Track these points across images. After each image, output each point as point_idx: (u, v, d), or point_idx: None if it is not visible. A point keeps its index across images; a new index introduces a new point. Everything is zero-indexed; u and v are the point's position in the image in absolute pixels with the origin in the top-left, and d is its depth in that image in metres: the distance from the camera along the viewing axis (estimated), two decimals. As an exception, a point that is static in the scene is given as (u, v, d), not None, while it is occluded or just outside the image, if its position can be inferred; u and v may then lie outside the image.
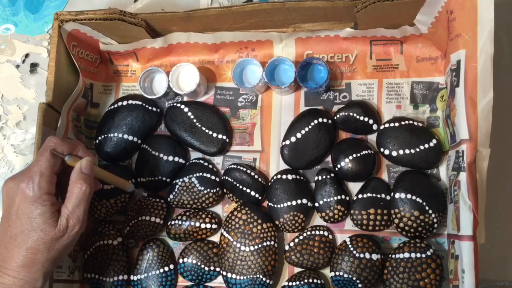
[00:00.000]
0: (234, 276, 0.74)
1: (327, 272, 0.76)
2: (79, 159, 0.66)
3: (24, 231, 0.61)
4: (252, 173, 0.78)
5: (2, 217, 0.64)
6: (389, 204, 0.75)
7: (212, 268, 0.78)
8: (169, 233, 0.79)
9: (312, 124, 0.77)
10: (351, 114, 0.77)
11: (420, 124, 0.75)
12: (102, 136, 0.82)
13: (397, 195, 0.73)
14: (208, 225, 0.78)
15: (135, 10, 0.91)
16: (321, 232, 0.76)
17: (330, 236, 0.76)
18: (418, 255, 0.70)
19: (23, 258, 0.61)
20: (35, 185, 0.61)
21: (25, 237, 0.61)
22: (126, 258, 0.79)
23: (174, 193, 0.79)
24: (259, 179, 0.78)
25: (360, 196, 0.76)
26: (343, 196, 0.75)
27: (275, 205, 0.77)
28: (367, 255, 0.72)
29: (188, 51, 0.84)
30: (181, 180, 0.79)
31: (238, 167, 0.78)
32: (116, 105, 0.83)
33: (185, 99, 0.85)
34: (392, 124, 0.76)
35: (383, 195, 0.75)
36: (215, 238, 0.80)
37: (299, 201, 0.76)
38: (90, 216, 0.82)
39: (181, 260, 0.78)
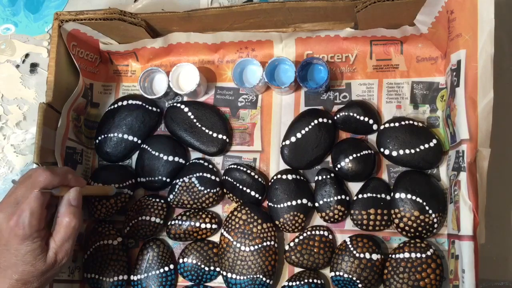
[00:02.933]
0: (234, 276, 0.74)
1: (327, 272, 0.76)
2: (67, 189, 0.65)
3: (15, 265, 0.61)
4: (252, 173, 0.78)
5: None
6: (389, 204, 0.75)
7: (212, 268, 0.78)
8: (169, 233, 0.79)
9: (312, 124, 0.77)
10: (351, 114, 0.77)
11: (420, 124, 0.75)
12: (102, 136, 0.82)
13: (397, 195, 0.73)
14: (208, 225, 0.78)
15: (135, 10, 0.91)
16: (321, 232, 0.76)
17: (330, 236, 0.76)
18: (418, 255, 0.70)
19: (12, 287, 0.62)
20: (26, 225, 0.61)
21: (15, 270, 0.61)
22: (126, 258, 0.79)
23: (174, 193, 0.79)
24: (259, 179, 0.78)
25: (360, 196, 0.76)
26: (343, 196, 0.75)
27: (275, 205, 0.77)
28: (367, 255, 0.72)
29: (188, 51, 0.84)
30: (181, 180, 0.79)
31: (238, 167, 0.78)
32: (116, 105, 0.83)
33: (185, 99, 0.85)
34: (392, 124, 0.76)
35: (383, 195, 0.75)
36: (215, 238, 0.80)
37: (299, 201, 0.76)
38: (90, 216, 0.82)
39: (181, 260, 0.78)
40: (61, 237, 0.64)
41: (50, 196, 0.64)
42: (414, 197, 0.72)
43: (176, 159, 0.81)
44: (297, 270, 0.77)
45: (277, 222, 0.77)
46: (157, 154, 0.81)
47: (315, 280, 0.74)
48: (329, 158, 0.80)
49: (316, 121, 0.77)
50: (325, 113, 0.79)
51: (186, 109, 0.82)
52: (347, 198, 0.76)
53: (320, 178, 0.77)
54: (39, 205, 0.62)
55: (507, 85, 0.77)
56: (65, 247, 0.64)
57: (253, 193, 0.77)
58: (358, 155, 0.75)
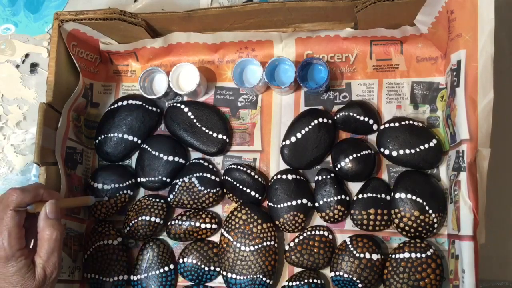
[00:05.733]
0: (234, 276, 0.74)
1: (327, 272, 0.76)
2: (42, 204, 0.64)
3: None
4: (252, 173, 0.78)
5: None
6: (389, 204, 0.75)
7: (212, 268, 0.78)
8: (169, 233, 0.79)
9: (312, 124, 0.77)
10: (351, 114, 0.77)
11: (420, 124, 0.75)
12: (102, 136, 0.82)
13: (397, 195, 0.73)
14: (208, 225, 0.78)
15: (135, 10, 0.91)
16: (321, 232, 0.76)
17: (330, 236, 0.76)
18: (418, 255, 0.70)
19: None
20: (6, 246, 0.60)
21: None
22: (126, 258, 0.79)
23: (174, 193, 0.79)
24: (259, 179, 0.78)
25: (360, 196, 0.76)
26: (343, 196, 0.75)
27: (275, 205, 0.77)
28: (367, 255, 0.72)
29: (188, 51, 0.84)
30: (181, 180, 0.79)
31: (238, 167, 0.78)
32: (116, 105, 0.83)
33: (185, 99, 0.85)
34: (392, 124, 0.76)
35: (383, 195, 0.75)
36: (215, 238, 0.80)
37: (299, 201, 0.76)
38: (90, 216, 0.82)
39: (181, 260, 0.78)
40: (46, 251, 0.63)
41: (26, 214, 0.63)
42: (414, 197, 0.72)
43: (176, 159, 0.81)
44: (297, 270, 0.77)
45: (277, 222, 0.77)
46: (157, 154, 0.81)
47: (315, 280, 0.74)
48: (329, 158, 0.80)
49: (316, 121, 0.77)
50: (325, 113, 0.79)
51: (186, 109, 0.82)
52: (347, 198, 0.76)
53: (320, 178, 0.77)
54: (15, 224, 0.61)
55: (507, 85, 0.77)
56: (52, 261, 0.63)
57: (253, 193, 0.77)
58: (358, 155, 0.75)
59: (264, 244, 0.75)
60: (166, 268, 0.78)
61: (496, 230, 0.75)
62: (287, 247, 0.77)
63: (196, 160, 0.82)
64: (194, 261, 0.77)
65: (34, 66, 0.93)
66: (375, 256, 0.72)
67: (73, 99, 0.77)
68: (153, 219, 0.78)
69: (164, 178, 0.80)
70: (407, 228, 0.72)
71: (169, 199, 0.80)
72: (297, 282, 0.74)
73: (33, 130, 0.90)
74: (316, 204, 0.76)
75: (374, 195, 0.75)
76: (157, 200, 0.80)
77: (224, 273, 0.75)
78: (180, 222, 0.78)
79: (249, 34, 0.80)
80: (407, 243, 0.73)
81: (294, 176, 0.77)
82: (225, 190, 0.80)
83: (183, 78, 0.83)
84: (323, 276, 0.76)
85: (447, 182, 0.74)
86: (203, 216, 0.78)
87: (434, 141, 0.74)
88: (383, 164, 0.78)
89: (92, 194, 0.80)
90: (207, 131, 0.81)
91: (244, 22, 0.79)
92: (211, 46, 0.83)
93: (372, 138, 0.79)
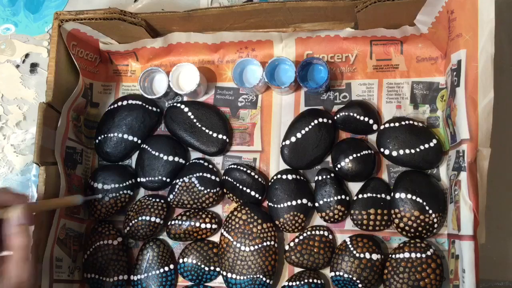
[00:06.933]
0: (234, 276, 0.74)
1: (327, 272, 0.76)
2: (12, 209, 0.60)
3: None
4: (252, 173, 0.78)
5: None
6: (389, 204, 0.75)
7: (212, 268, 0.78)
8: (169, 233, 0.79)
9: (312, 124, 0.77)
10: (351, 114, 0.77)
11: (420, 124, 0.76)
12: (102, 136, 0.82)
13: (397, 195, 0.73)
14: (208, 225, 0.78)
15: (135, 10, 0.91)
16: (321, 232, 0.76)
17: (330, 236, 0.76)
18: (418, 255, 0.70)
19: None
20: None
21: None
22: (126, 258, 0.79)
23: (174, 193, 0.79)
24: (259, 179, 0.78)
25: (360, 196, 0.76)
26: (343, 196, 0.75)
27: (275, 205, 0.77)
28: (367, 255, 0.72)
29: (188, 51, 0.84)
30: (181, 180, 0.79)
31: (238, 167, 0.78)
32: (116, 105, 0.83)
33: (185, 99, 0.85)
34: (392, 124, 0.76)
35: (383, 195, 0.75)
36: (215, 238, 0.80)
37: (299, 201, 0.76)
38: (90, 216, 0.82)
39: (181, 260, 0.78)
40: (15, 260, 0.59)
41: None
42: (414, 197, 0.72)
43: (176, 159, 0.81)
44: (297, 270, 0.77)
45: (277, 222, 0.77)
46: (157, 154, 0.81)
47: (315, 280, 0.74)
48: (329, 158, 0.80)
49: (316, 121, 0.77)
50: (325, 113, 0.79)
51: (186, 109, 0.82)
52: (347, 198, 0.76)
53: (320, 178, 0.77)
54: None
55: (507, 85, 0.77)
56: (25, 269, 0.59)
57: (253, 193, 0.77)
58: (358, 155, 0.75)
59: (264, 244, 0.75)
60: (166, 268, 0.78)
61: (496, 230, 0.75)
62: (287, 247, 0.77)
63: (196, 160, 0.82)
64: (194, 261, 0.77)
65: (34, 66, 0.93)
66: (375, 256, 0.72)
67: (72, 99, 0.77)
68: (153, 219, 0.78)
69: (164, 178, 0.80)
70: (407, 228, 0.72)
71: (169, 199, 0.80)
72: (297, 282, 0.74)
73: (33, 130, 0.90)
74: (316, 204, 0.76)
75: (374, 195, 0.75)
76: (157, 200, 0.80)
77: (224, 273, 0.75)
78: (180, 222, 0.78)
79: (249, 34, 0.80)
80: (407, 243, 0.73)
81: (294, 176, 0.77)
82: (225, 190, 0.80)
83: (183, 78, 0.83)
84: (323, 276, 0.76)
85: (447, 182, 0.74)
86: (203, 216, 0.78)
87: (434, 141, 0.74)
88: (383, 164, 0.78)
89: (92, 194, 0.80)
90: (207, 131, 0.81)
91: (244, 22, 0.79)
92: (211, 46, 0.83)
93: (372, 138, 0.79)
